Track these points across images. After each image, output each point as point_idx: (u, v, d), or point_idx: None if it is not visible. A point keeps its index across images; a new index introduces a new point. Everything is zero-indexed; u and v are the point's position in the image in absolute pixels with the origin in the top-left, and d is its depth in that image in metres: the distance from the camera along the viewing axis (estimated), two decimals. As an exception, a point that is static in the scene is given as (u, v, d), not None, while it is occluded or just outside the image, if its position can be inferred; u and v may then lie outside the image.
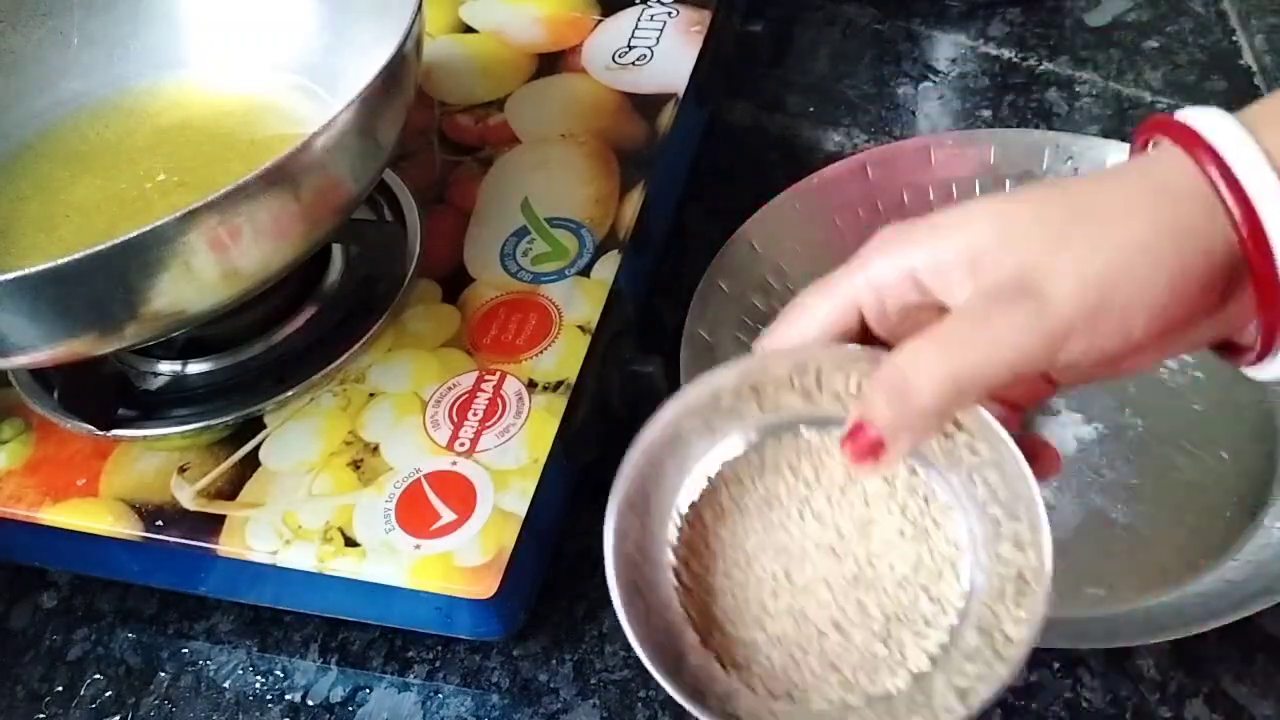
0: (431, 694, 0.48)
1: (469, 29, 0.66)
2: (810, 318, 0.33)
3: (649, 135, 0.59)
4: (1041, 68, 0.72)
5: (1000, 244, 0.31)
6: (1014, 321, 0.30)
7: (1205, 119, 0.31)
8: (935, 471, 0.34)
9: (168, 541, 0.46)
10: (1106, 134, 0.66)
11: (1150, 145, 0.33)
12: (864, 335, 0.34)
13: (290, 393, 0.49)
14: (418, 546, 0.44)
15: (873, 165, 0.62)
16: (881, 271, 0.33)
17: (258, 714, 0.48)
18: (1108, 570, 0.48)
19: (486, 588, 0.43)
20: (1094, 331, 0.30)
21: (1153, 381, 0.54)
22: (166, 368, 0.51)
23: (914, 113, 0.70)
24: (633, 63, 0.62)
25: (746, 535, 0.34)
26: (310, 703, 0.48)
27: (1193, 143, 0.31)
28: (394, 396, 0.49)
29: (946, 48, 0.74)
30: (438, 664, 0.49)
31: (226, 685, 0.49)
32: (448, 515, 0.45)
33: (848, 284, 0.33)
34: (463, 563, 0.44)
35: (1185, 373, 0.54)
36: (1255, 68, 0.70)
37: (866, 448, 0.31)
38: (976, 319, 0.30)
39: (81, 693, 0.49)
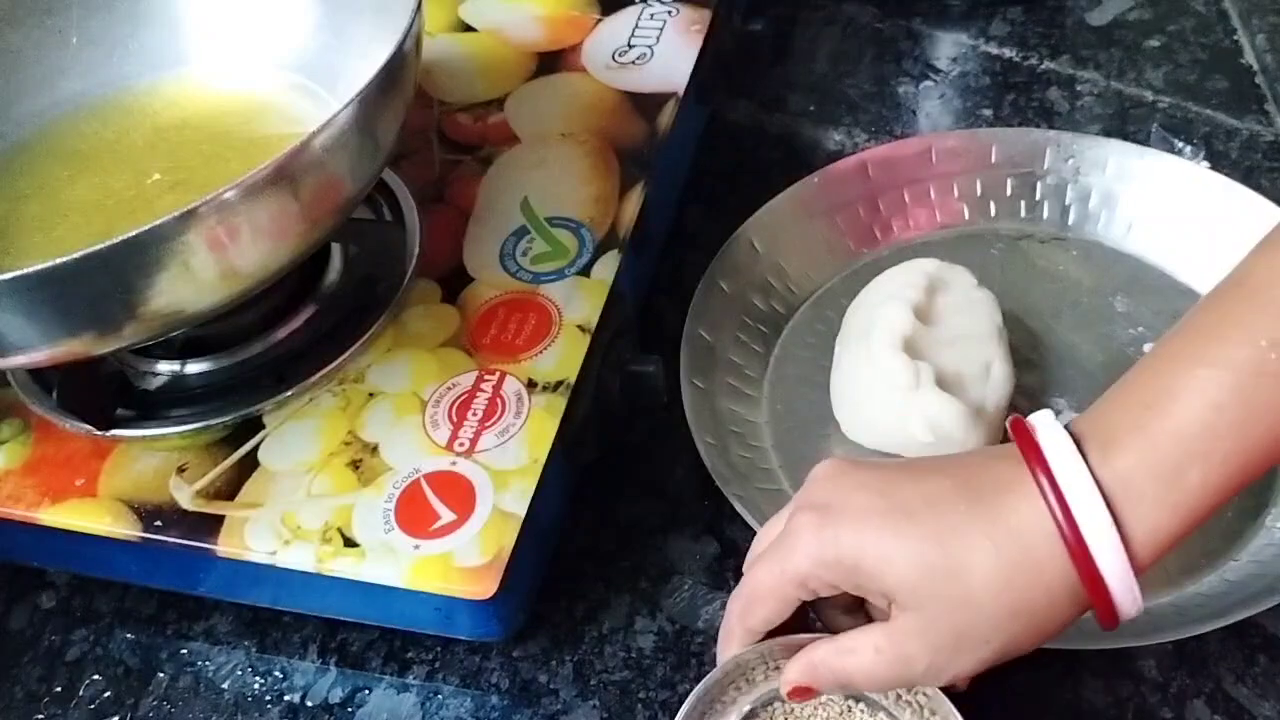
0: (431, 695, 0.48)
1: (468, 28, 0.66)
2: (759, 623, 0.41)
3: (649, 134, 0.58)
4: (1043, 67, 0.71)
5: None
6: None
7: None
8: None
9: (166, 542, 0.46)
10: (1108, 133, 0.66)
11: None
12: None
13: (289, 393, 0.49)
14: (417, 547, 0.44)
15: (873, 164, 0.62)
16: (812, 574, 0.39)
17: (256, 715, 0.48)
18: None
19: (486, 588, 0.43)
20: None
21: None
22: (165, 367, 0.51)
23: (915, 112, 0.70)
24: (633, 62, 0.62)
25: None
26: (309, 703, 0.48)
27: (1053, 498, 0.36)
28: (393, 396, 0.49)
29: (947, 46, 0.73)
30: (437, 665, 0.49)
31: (225, 686, 0.49)
32: (447, 515, 0.45)
33: (781, 592, 0.40)
34: (462, 563, 0.44)
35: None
36: (1256, 67, 0.70)
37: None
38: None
39: (80, 693, 0.49)
